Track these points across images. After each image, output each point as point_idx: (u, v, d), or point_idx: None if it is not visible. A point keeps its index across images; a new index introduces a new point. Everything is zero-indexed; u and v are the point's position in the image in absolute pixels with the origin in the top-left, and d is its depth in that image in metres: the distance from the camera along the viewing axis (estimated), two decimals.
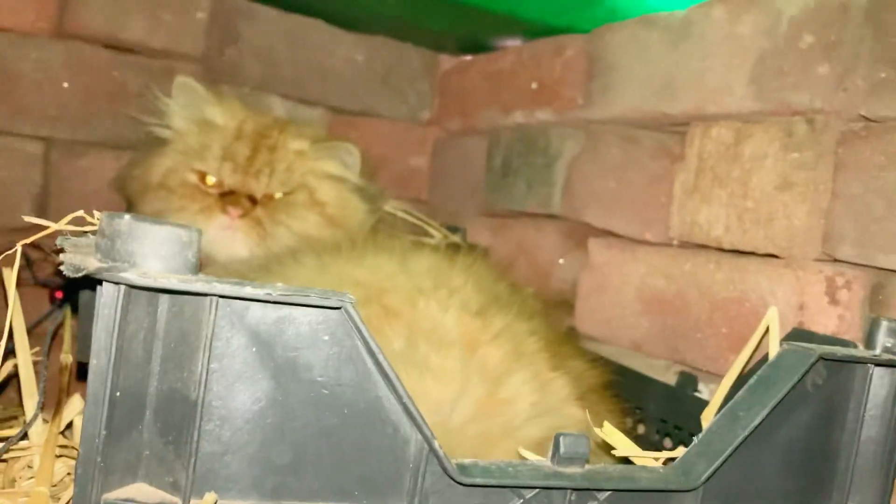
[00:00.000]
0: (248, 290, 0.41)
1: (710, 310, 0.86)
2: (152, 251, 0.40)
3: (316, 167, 1.01)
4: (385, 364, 0.44)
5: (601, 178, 1.03)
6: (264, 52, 1.22)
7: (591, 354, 0.84)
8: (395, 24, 1.24)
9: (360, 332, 0.43)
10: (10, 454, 0.61)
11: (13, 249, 0.49)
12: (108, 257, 0.40)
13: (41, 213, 1.11)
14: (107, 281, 0.39)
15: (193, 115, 1.00)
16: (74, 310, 0.80)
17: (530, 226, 1.15)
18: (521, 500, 0.47)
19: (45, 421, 0.63)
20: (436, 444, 0.45)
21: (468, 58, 1.31)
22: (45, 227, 0.48)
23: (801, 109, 0.79)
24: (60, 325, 0.83)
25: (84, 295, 0.42)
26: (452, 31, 1.23)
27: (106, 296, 0.39)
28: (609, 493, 0.48)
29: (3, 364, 0.65)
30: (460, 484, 0.45)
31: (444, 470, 0.45)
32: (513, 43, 1.21)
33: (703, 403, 0.72)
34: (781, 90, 0.80)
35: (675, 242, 0.93)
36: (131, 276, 0.39)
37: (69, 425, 0.65)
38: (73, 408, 0.64)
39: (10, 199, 1.08)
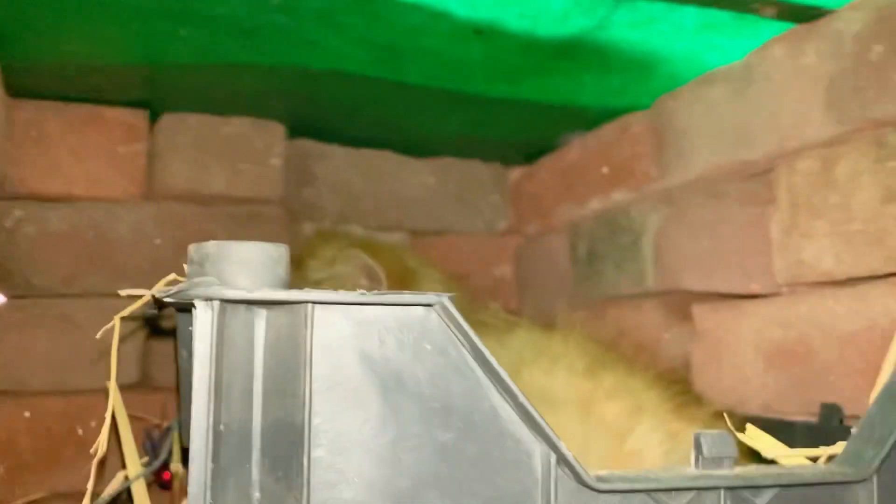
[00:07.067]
0: (341, 295, 0.39)
1: (838, 348, 0.79)
2: (242, 269, 0.39)
3: None
4: (496, 368, 0.41)
5: (692, 241, 0.99)
6: (340, 187, 1.27)
7: (717, 408, 0.78)
8: (459, 142, 1.28)
9: (462, 330, 0.40)
10: None
11: (111, 323, 0.49)
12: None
13: (144, 370, 1.14)
14: (199, 298, 0.38)
15: None
16: None
17: (626, 307, 1.11)
18: None
19: None
20: (564, 449, 0.41)
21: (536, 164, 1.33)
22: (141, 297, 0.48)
23: (886, 120, 0.75)
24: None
25: (181, 320, 0.42)
26: (515, 138, 1.26)
27: (201, 315, 0.38)
28: (772, 492, 0.42)
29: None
30: (598, 492, 0.41)
31: (579, 479, 0.41)
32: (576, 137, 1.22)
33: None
34: (862, 107, 0.77)
35: (783, 288, 0.87)
36: (224, 291, 0.38)
37: None
38: None
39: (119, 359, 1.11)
